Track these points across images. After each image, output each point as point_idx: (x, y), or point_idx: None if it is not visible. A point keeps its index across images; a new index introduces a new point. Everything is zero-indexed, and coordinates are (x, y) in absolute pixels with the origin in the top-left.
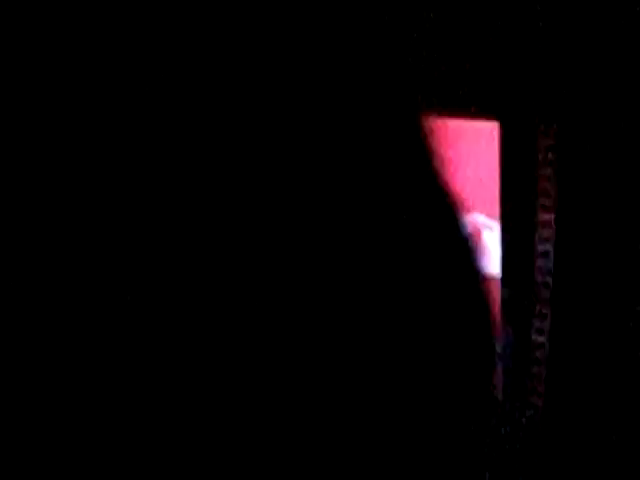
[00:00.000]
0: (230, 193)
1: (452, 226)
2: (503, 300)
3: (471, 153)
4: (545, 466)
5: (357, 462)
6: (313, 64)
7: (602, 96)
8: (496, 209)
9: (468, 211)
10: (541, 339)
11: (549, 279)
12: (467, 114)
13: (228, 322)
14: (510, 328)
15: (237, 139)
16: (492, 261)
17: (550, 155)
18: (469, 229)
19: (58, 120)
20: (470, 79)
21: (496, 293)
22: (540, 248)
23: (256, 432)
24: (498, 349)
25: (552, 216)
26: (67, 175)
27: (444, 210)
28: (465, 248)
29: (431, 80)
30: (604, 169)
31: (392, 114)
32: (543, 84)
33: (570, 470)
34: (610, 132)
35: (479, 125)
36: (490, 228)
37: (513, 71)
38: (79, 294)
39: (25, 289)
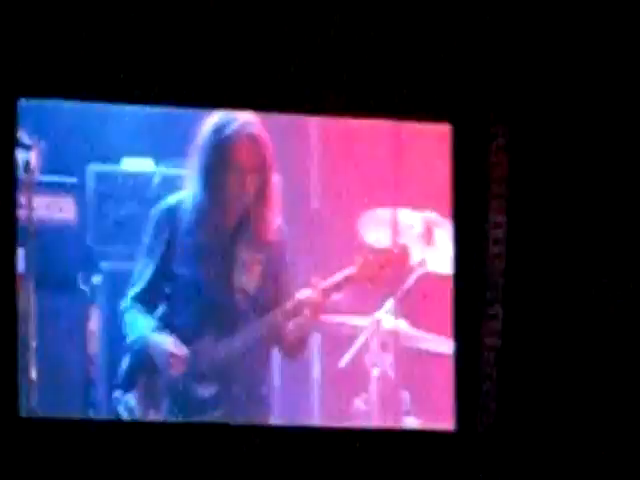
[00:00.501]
0: None
1: None
2: (455, 299)
3: (424, 154)
4: (503, 466)
5: None
6: None
7: (553, 97)
8: (448, 207)
9: (421, 209)
10: (492, 341)
11: (501, 280)
12: (420, 117)
13: None
14: (462, 328)
15: None
16: (444, 259)
17: (502, 156)
18: (422, 227)
19: None
20: (423, 83)
21: (448, 292)
22: (492, 250)
23: None
24: (451, 350)
25: (504, 218)
26: None
27: None
28: None
29: (385, 84)
30: (555, 170)
31: None
32: (495, 86)
33: (526, 472)
34: (562, 133)
35: (432, 127)
36: (442, 226)
37: (466, 74)
38: None
39: None
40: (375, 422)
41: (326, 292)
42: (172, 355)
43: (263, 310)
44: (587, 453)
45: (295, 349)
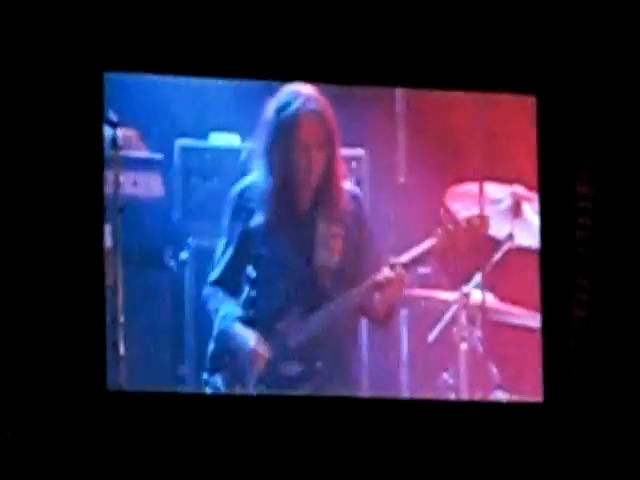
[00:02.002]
0: None
1: None
2: (542, 273)
3: (510, 126)
4: (590, 437)
5: None
6: None
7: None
8: (535, 181)
9: (508, 182)
10: (579, 312)
11: (588, 252)
12: (506, 89)
13: None
14: (549, 302)
15: None
16: (532, 233)
17: (589, 128)
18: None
19: None
20: (509, 55)
21: (536, 265)
22: (579, 221)
23: None
24: (538, 324)
25: (591, 189)
26: None
27: None
28: None
29: (471, 56)
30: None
31: None
32: (580, 57)
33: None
34: None
35: (518, 100)
36: (530, 199)
37: (551, 46)
38: None
39: None
40: (463, 396)
41: (407, 266)
42: (254, 353)
43: (346, 285)
44: None
45: (383, 320)
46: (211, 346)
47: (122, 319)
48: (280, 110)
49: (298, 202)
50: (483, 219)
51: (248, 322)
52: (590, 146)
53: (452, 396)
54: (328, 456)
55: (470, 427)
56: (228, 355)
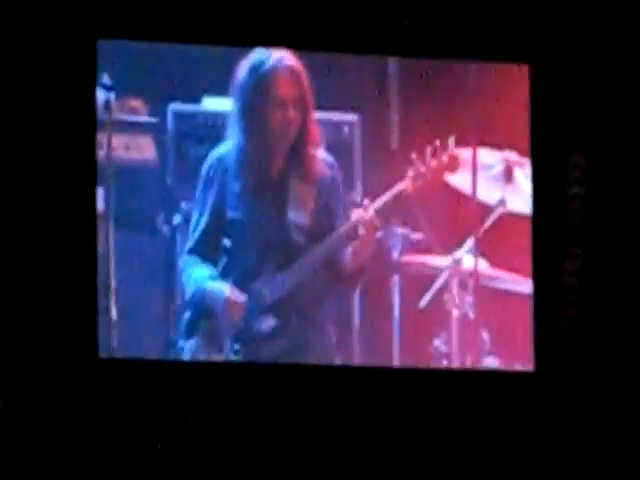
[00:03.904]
0: None
1: None
2: (534, 239)
3: (503, 93)
4: (581, 406)
5: None
6: None
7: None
8: (528, 147)
9: (500, 148)
10: (571, 281)
11: (580, 220)
12: (499, 58)
13: None
14: (541, 269)
15: None
16: (524, 199)
17: (582, 96)
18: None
19: None
20: (503, 24)
21: (528, 231)
22: (572, 190)
23: None
24: (530, 290)
25: (583, 158)
26: None
27: None
28: None
29: (464, 25)
30: (637, 109)
31: None
32: (573, 27)
33: (604, 412)
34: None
35: (511, 68)
36: (522, 165)
37: (545, 16)
38: None
39: None
40: (455, 362)
41: (380, 211)
42: (230, 301)
43: (319, 240)
44: None
45: (354, 276)
46: (187, 314)
47: (114, 284)
48: (254, 69)
49: (272, 166)
50: (452, 156)
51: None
52: (583, 115)
53: (444, 362)
54: (317, 425)
55: (461, 395)
56: (204, 318)
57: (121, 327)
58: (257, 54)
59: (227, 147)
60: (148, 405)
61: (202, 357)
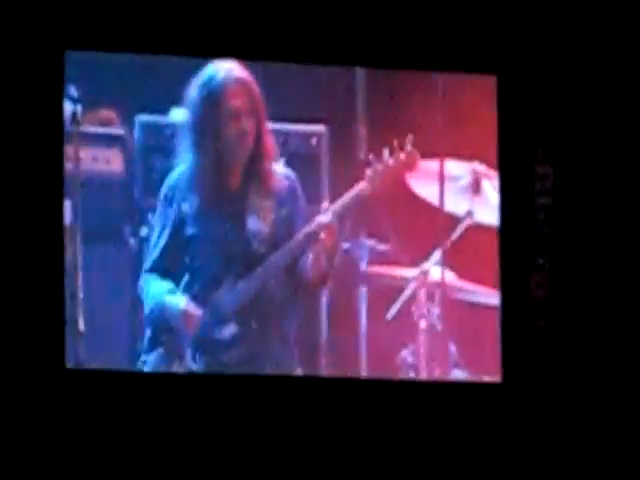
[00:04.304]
0: None
1: None
2: (502, 251)
3: (471, 105)
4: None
5: None
6: None
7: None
8: (495, 158)
9: (468, 159)
10: (539, 293)
11: (547, 232)
12: (467, 69)
13: None
14: (508, 280)
15: None
16: (492, 211)
17: (549, 108)
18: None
19: None
20: (470, 35)
21: (495, 243)
22: (539, 201)
23: None
24: (497, 302)
25: (550, 169)
26: None
27: None
28: None
29: (432, 36)
30: (602, 123)
31: None
32: (539, 38)
33: (572, 423)
34: (609, 81)
35: (478, 79)
36: (489, 177)
37: (511, 27)
38: None
39: None
40: (422, 374)
41: (338, 214)
42: (186, 314)
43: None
44: (635, 406)
45: (317, 283)
46: (147, 331)
47: (81, 295)
48: (204, 85)
49: (229, 180)
50: (410, 154)
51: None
52: (550, 126)
53: (411, 374)
54: (279, 436)
55: (429, 407)
56: (164, 332)
57: (88, 338)
58: (206, 70)
59: (180, 171)
60: (115, 415)
61: (163, 369)
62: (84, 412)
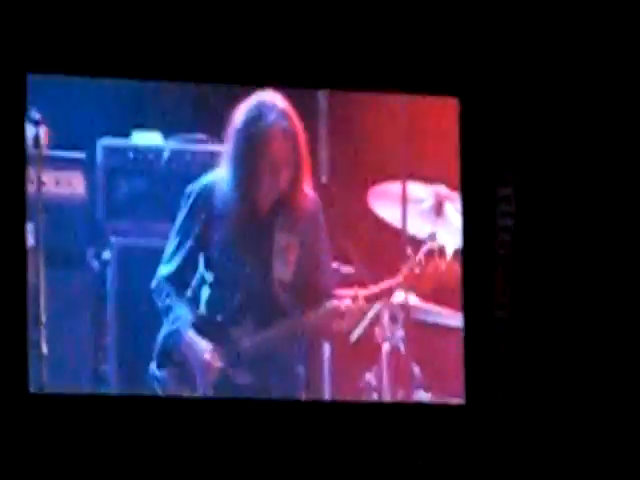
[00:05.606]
0: None
1: None
2: (464, 273)
3: (432, 127)
4: (512, 440)
5: None
6: None
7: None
8: (458, 181)
9: (431, 182)
10: (501, 314)
11: (509, 253)
12: (428, 91)
13: None
14: (471, 302)
15: None
16: (454, 233)
17: (510, 131)
18: (432, 200)
19: None
20: (431, 57)
21: (458, 265)
22: (501, 223)
23: None
24: (460, 324)
25: (512, 191)
26: None
27: None
28: None
29: (393, 59)
30: (565, 150)
31: None
32: (501, 61)
33: (535, 445)
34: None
35: (440, 101)
36: (452, 199)
37: (473, 49)
38: None
39: None
40: (386, 396)
41: (369, 300)
42: (209, 366)
43: (300, 298)
44: (598, 428)
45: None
46: (159, 342)
47: (44, 318)
48: (252, 122)
49: (258, 212)
50: (451, 266)
51: (202, 327)
52: (512, 148)
53: (375, 396)
54: (247, 459)
55: (392, 429)
56: (178, 356)
57: (51, 361)
58: (255, 104)
59: (216, 177)
60: (79, 440)
61: (173, 391)
62: (47, 437)
